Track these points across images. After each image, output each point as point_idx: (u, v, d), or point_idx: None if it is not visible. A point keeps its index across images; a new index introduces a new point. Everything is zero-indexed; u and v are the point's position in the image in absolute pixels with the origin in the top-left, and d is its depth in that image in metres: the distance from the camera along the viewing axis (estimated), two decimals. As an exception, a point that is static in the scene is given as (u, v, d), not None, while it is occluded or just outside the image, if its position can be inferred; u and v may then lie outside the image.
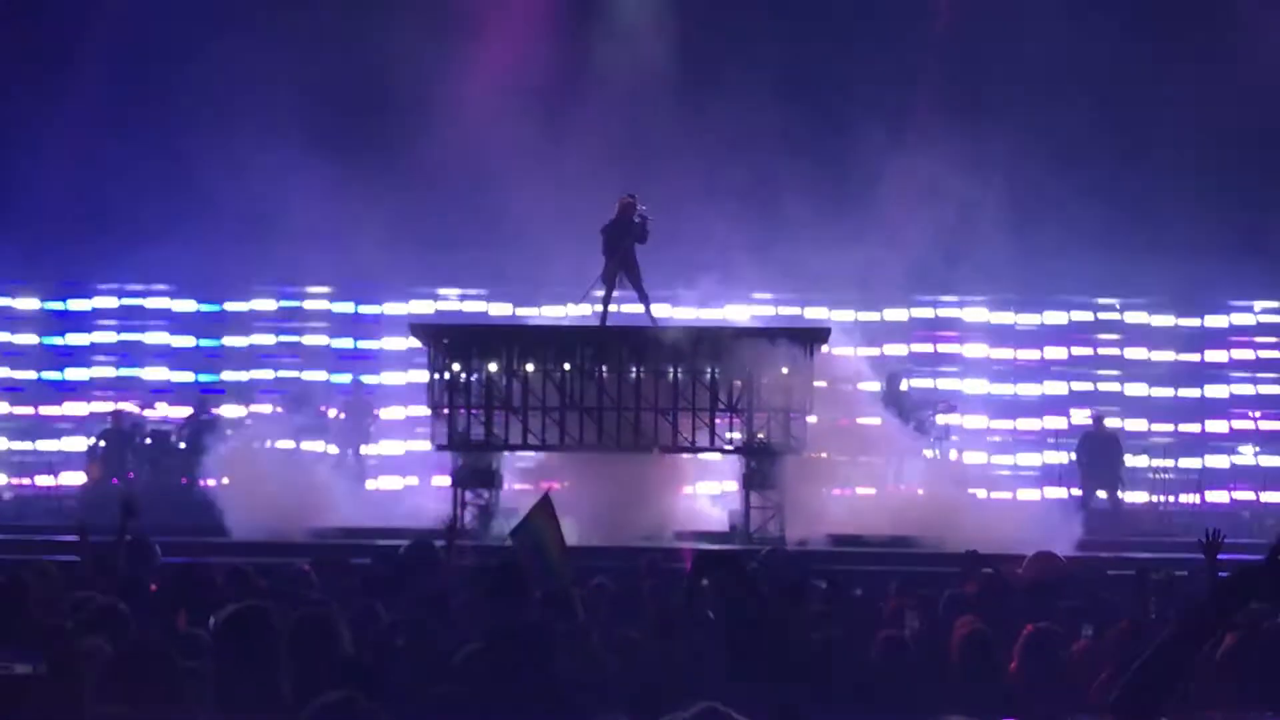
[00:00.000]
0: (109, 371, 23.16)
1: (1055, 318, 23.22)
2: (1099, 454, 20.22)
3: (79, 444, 21.99)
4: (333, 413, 21.43)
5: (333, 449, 20.93)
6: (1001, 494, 21.62)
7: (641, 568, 11.21)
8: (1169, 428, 22.68)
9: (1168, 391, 22.94)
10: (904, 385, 21.31)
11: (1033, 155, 20.48)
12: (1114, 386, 22.94)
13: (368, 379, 22.58)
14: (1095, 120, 21.30)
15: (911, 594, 9.39)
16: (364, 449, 21.32)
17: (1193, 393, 22.94)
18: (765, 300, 22.51)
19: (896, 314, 23.18)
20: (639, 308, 18.67)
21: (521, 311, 21.96)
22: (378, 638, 7.23)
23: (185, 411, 21.52)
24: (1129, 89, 21.50)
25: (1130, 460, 21.15)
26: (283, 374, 22.96)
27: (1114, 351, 23.09)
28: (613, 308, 18.50)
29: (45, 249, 22.24)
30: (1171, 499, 21.34)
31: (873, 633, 7.95)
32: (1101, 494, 20.21)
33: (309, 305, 23.36)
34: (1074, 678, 7.38)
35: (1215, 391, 22.97)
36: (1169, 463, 21.66)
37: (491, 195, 20.47)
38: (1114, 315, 23.21)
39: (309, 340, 23.22)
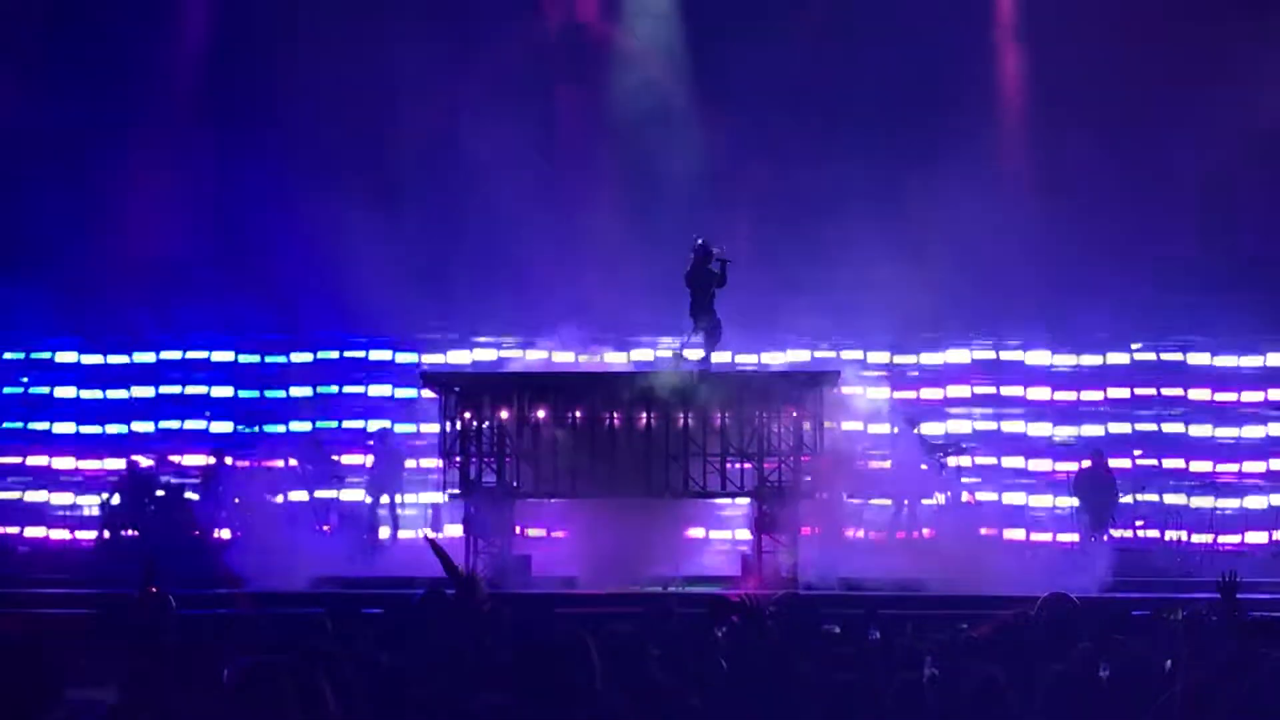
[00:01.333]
0: (120, 428, 23.22)
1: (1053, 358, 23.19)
2: (1093, 492, 20.15)
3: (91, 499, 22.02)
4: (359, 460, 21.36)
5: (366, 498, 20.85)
6: (1015, 534, 21.68)
7: (655, 613, 11.20)
8: (1207, 466, 22.57)
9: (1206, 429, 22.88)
10: (918, 429, 21.32)
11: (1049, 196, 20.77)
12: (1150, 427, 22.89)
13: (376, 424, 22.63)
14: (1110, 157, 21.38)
15: (927, 638, 9.38)
16: (397, 498, 21.12)
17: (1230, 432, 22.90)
18: (774, 347, 22.53)
19: (905, 358, 23.18)
20: (648, 354, 18.78)
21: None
22: (391, 690, 7.23)
23: (199, 462, 21.55)
24: (1140, 127, 21.57)
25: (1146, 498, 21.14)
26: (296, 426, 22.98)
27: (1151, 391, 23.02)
28: (617, 356, 18.66)
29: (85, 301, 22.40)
30: (1184, 537, 21.27)
31: (889, 677, 7.94)
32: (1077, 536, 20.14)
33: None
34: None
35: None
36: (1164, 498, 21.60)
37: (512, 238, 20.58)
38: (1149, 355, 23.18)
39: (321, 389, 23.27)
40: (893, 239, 19.94)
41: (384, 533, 20.42)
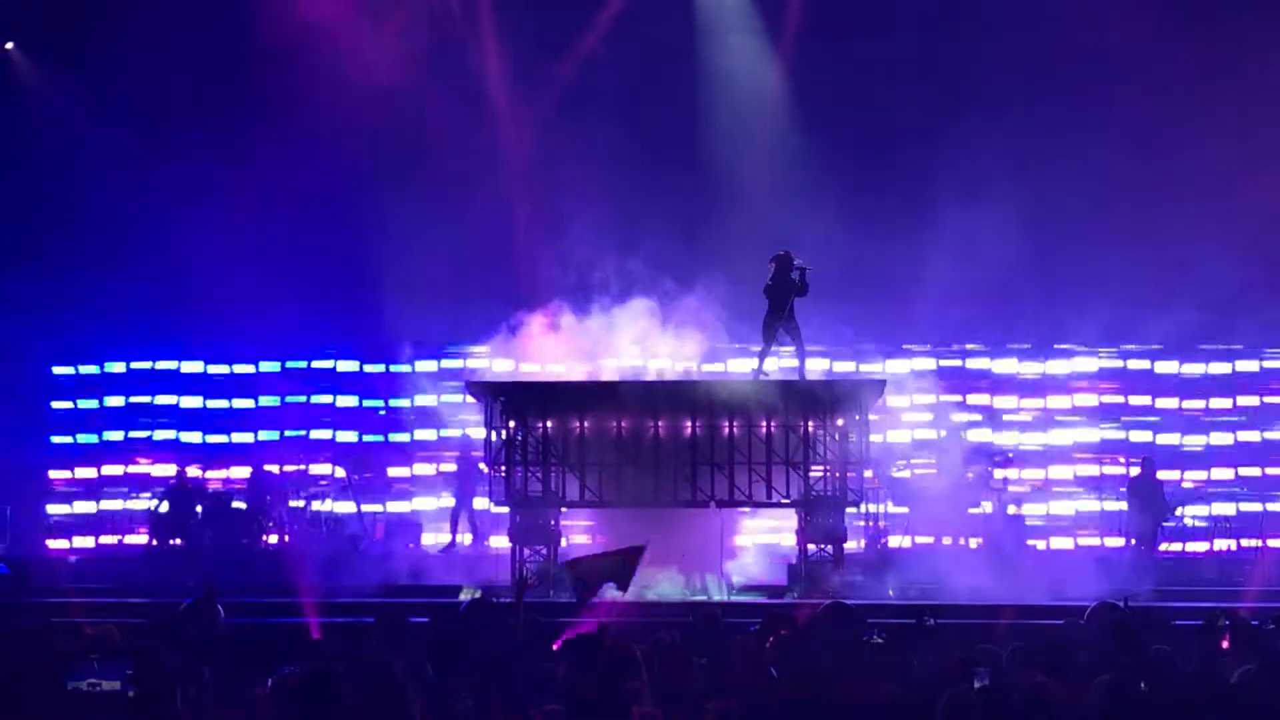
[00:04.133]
0: (169, 434, 23.43)
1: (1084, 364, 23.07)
2: (1143, 500, 19.96)
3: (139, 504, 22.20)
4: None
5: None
6: (1063, 543, 21.56)
7: (701, 622, 11.21)
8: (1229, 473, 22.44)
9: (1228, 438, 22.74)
10: (964, 437, 21.24)
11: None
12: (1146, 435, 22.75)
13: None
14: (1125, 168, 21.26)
15: (975, 648, 9.34)
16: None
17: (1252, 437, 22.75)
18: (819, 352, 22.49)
19: (952, 361, 23.10)
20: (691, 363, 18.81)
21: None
22: (440, 700, 7.24)
23: (244, 473, 21.69)
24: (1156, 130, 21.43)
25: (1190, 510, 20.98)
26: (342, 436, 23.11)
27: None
28: (663, 364, 18.64)
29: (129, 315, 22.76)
30: (1234, 545, 21.09)
31: (937, 688, 7.91)
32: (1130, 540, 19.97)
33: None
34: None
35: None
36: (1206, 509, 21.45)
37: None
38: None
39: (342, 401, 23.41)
40: (942, 240, 19.89)
41: (464, 538, 20.45)
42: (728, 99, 22.96)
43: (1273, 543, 20.78)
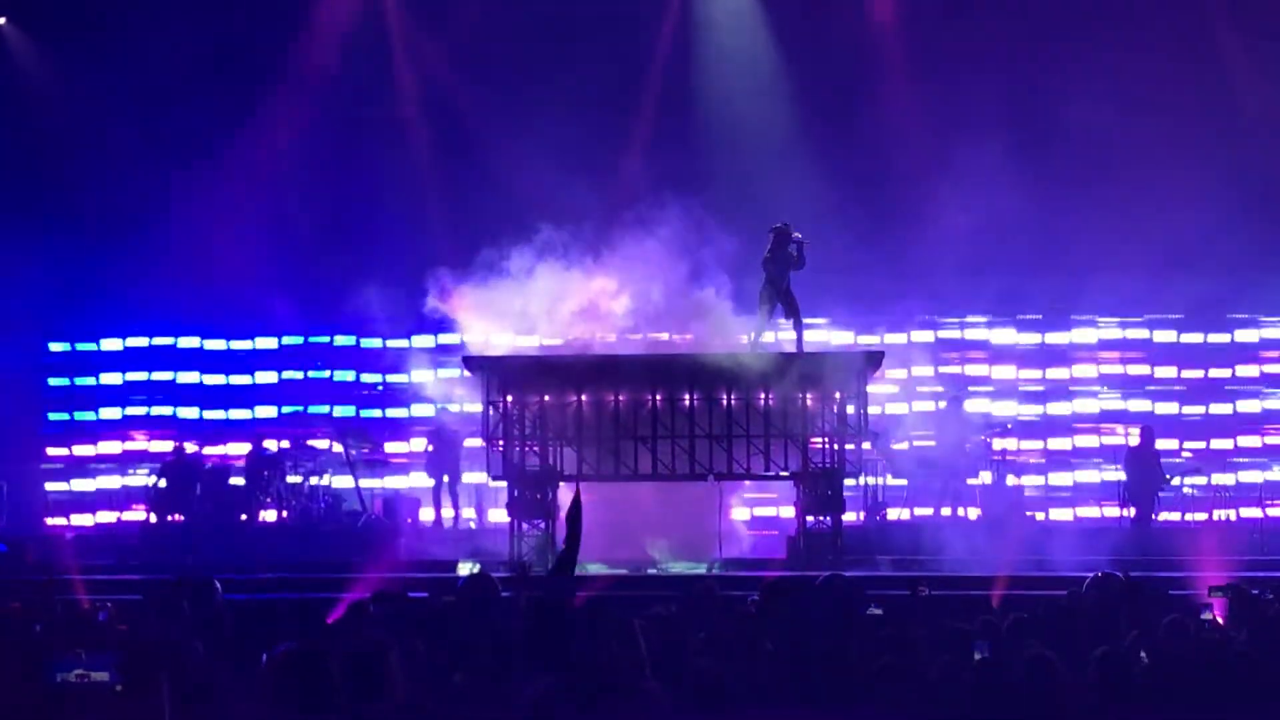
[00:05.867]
0: (165, 410, 23.43)
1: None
2: (1140, 470, 19.91)
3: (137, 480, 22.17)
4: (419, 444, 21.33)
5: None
6: (1062, 514, 21.55)
7: (697, 595, 11.17)
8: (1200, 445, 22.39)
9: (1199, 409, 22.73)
10: (964, 408, 21.21)
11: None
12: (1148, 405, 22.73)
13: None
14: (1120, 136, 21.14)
15: (975, 619, 9.32)
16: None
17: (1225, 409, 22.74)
18: (818, 325, 22.42)
19: (950, 333, 23.05)
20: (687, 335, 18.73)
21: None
22: (433, 675, 7.21)
23: (243, 448, 21.66)
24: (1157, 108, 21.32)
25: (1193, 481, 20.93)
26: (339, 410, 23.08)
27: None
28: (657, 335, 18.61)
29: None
30: (1233, 515, 21.04)
31: (934, 658, 7.89)
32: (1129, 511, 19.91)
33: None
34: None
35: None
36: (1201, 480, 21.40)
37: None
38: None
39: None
40: (938, 215, 19.82)
41: (446, 515, 20.42)
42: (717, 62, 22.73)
43: (1272, 511, 20.79)
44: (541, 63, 21.68)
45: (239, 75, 22.07)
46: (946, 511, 19.82)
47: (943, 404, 21.32)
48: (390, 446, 22.13)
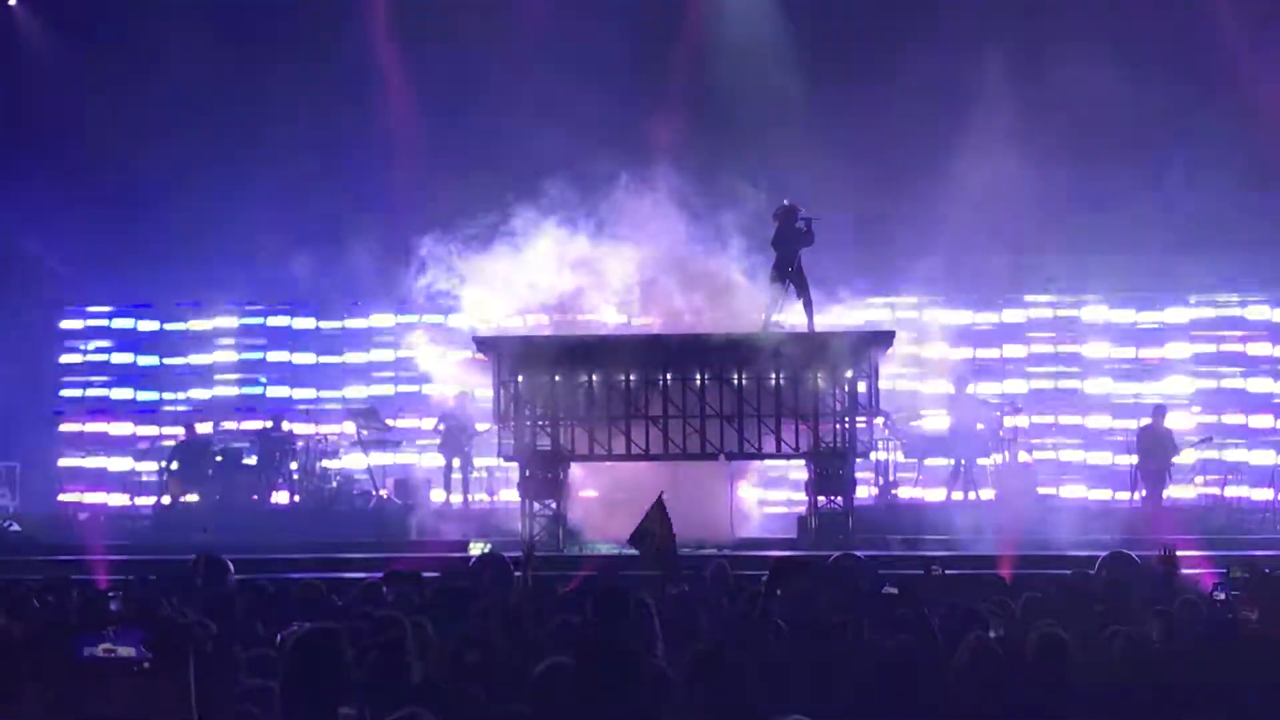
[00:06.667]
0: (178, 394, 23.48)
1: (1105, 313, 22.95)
2: (1152, 450, 19.81)
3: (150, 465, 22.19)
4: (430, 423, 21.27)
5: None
6: (1074, 492, 21.49)
7: (709, 575, 11.17)
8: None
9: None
10: (972, 388, 21.16)
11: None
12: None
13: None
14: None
15: (988, 598, 9.31)
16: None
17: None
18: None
19: (959, 316, 22.95)
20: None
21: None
22: (448, 655, 7.20)
23: (255, 427, 21.68)
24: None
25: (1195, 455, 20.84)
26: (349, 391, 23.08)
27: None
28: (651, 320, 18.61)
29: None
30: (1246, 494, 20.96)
31: (950, 638, 7.86)
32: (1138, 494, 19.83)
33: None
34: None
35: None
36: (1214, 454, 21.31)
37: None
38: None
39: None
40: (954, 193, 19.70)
41: (455, 498, 20.41)
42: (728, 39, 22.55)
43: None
44: (555, 30, 21.47)
45: (250, 60, 22.00)
46: (959, 496, 19.74)
47: (952, 384, 21.19)
48: (403, 423, 22.11)
